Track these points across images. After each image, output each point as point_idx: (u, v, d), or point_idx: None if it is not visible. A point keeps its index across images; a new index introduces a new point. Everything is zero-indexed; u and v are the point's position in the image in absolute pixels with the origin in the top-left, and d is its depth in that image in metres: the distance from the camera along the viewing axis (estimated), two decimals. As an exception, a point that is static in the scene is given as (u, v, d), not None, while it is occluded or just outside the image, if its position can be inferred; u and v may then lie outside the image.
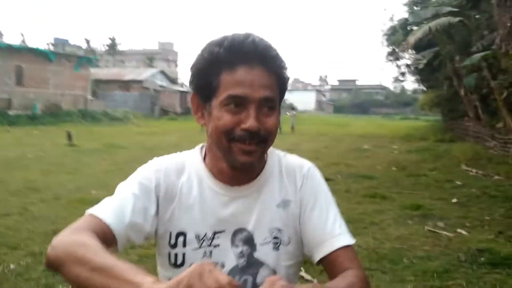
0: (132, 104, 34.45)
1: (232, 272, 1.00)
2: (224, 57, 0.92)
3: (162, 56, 66.01)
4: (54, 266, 0.82)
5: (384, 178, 8.91)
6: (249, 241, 1.02)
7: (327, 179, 1.11)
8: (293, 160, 1.11)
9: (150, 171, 1.04)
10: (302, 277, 3.43)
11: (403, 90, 77.44)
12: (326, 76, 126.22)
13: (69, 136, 13.93)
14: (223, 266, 1.00)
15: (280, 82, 0.97)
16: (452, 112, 23.06)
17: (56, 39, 54.79)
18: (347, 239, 1.01)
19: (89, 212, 0.94)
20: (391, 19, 24.29)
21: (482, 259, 4.14)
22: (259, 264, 1.02)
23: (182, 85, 44.57)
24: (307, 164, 1.09)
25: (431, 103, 27.53)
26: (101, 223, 0.90)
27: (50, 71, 27.35)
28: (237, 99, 0.92)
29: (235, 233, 1.02)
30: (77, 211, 5.73)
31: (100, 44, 68.28)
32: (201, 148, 1.11)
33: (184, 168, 1.05)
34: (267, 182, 1.05)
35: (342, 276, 0.94)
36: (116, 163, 10.23)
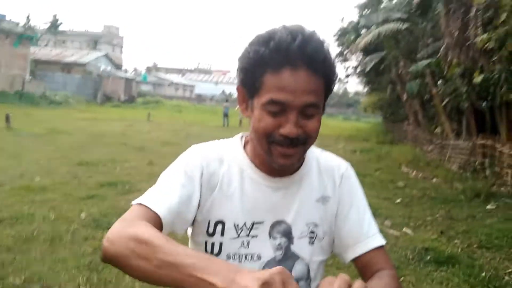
0: (73, 88, 32.95)
1: (269, 264, 1.00)
2: (269, 58, 0.89)
3: (106, 39, 63.51)
4: (113, 261, 0.80)
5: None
6: (288, 234, 1.01)
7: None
8: (331, 158, 1.12)
9: (194, 159, 1.02)
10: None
11: (345, 91, 79.81)
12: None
13: (7, 119, 13.11)
14: (259, 257, 1.00)
15: (327, 84, 0.94)
16: (393, 115, 24.20)
17: (-9, 13, 51.12)
18: (380, 240, 1.04)
19: (137, 202, 0.91)
20: (342, 21, 24.99)
21: (428, 257, 4.41)
22: (295, 257, 1.02)
23: (126, 71, 43.27)
24: (344, 163, 1.12)
25: (374, 106, 28.67)
26: (151, 213, 0.89)
27: (-15, 48, 25.61)
28: (278, 104, 0.90)
29: (274, 225, 1.01)
30: (23, 198, 5.51)
31: (40, 22, 64.65)
32: (241, 138, 1.09)
33: (224, 157, 1.04)
34: (306, 177, 1.06)
35: (378, 277, 0.96)
36: (60, 150, 9.80)
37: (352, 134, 23.06)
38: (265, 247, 1.00)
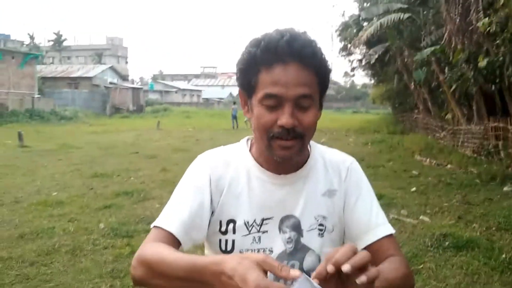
0: (82, 102, 33.34)
1: (280, 257, 1.05)
2: (260, 57, 0.96)
3: (111, 52, 64.09)
4: (140, 284, 0.92)
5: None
6: (297, 227, 1.06)
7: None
8: (336, 153, 1.17)
9: (200, 169, 1.09)
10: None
11: (352, 84, 79.48)
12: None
13: (20, 137, 13.31)
14: (271, 251, 1.05)
15: (320, 77, 0.99)
16: (402, 105, 24.01)
17: (-5, 34, 51.78)
18: (389, 229, 1.08)
19: (154, 225, 1.02)
20: (343, 15, 24.89)
21: (447, 243, 4.39)
22: (305, 249, 1.06)
23: (133, 81, 43.58)
24: (349, 158, 1.16)
25: (382, 97, 28.53)
26: (166, 233, 0.99)
27: (-6, 69, 26.03)
28: (273, 98, 0.96)
29: (283, 220, 1.06)
30: (41, 213, 5.59)
31: (44, 39, 65.44)
32: (247, 140, 1.16)
33: (231, 160, 1.10)
34: (312, 172, 1.10)
35: (388, 261, 1.00)
36: (73, 164, 9.92)
37: (363, 127, 22.94)
38: (276, 241, 1.06)
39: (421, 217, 5.48)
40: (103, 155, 11.46)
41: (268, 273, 0.70)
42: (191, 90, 64.73)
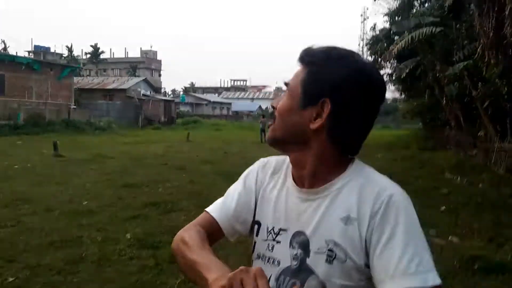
0: (115, 113, 34.16)
1: (284, 272, 1.03)
2: None
3: (145, 65, 65.66)
4: (173, 255, 1.08)
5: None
6: (305, 246, 1.01)
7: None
8: (379, 180, 1.01)
9: (253, 169, 1.19)
10: None
11: (383, 98, 78.49)
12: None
13: (55, 146, 13.74)
14: (278, 263, 1.05)
15: (312, 72, 1.00)
16: (433, 120, 23.51)
17: (36, 47, 53.78)
18: (421, 281, 0.87)
19: (205, 210, 1.16)
20: (373, 29, 24.73)
21: (476, 266, 4.26)
22: (309, 271, 0.99)
23: (166, 93, 44.48)
24: (392, 190, 0.97)
25: (413, 112, 27.99)
26: (209, 217, 1.13)
27: (33, 80, 27.04)
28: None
29: (295, 235, 1.04)
30: (72, 222, 5.75)
31: (81, 52, 67.64)
32: None
33: (279, 169, 1.16)
34: (339, 193, 1.01)
35: None
36: (105, 173, 10.17)
37: (392, 142, 22.59)
38: (285, 254, 1.04)
39: (450, 237, 5.35)
40: (134, 166, 11.69)
41: (271, 281, 0.74)
42: (221, 103, 65.45)
